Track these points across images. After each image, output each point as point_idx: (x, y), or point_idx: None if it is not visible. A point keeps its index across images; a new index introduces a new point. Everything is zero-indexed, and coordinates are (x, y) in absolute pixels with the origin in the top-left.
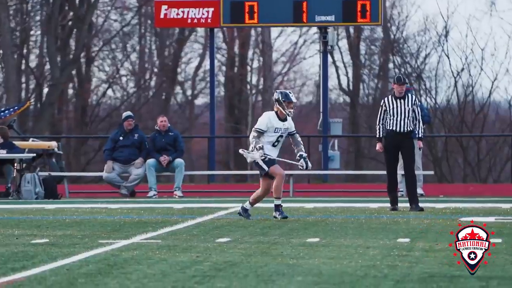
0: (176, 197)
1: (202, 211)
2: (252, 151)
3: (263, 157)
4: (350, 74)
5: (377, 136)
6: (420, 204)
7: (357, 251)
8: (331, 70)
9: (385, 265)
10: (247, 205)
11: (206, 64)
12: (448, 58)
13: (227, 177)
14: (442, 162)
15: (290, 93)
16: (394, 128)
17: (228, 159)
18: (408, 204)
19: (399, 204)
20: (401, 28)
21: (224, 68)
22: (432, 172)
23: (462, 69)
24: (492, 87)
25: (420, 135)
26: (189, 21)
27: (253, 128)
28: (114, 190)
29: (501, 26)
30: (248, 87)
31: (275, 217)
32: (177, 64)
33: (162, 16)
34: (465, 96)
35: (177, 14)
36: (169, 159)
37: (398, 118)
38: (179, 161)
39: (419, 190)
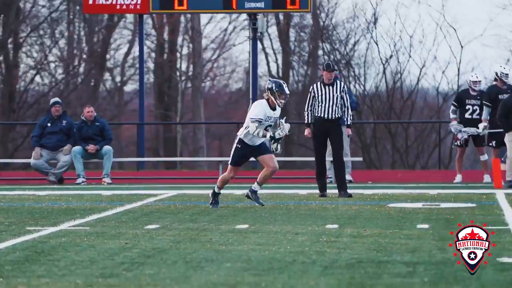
0: (105, 184)
1: (131, 198)
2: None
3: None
4: (280, 61)
5: (306, 122)
6: (349, 191)
7: (286, 238)
8: (261, 56)
9: (314, 251)
10: (255, 186)
11: (135, 50)
12: (377, 45)
13: (157, 164)
14: (371, 148)
15: (284, 83)
16: (322, 115)
17: (158, 146)
18: (336, 191)
19: (328, 191)
20: (331, 15)
21: (153, 54)
22: (360, 159)
23: (391, 56)
24: (420, 74)
25: (348, 122)
26: (118, 7)
27: (251, 120)
28: (42, 177)
29: (429, 14)
30: (178, 73)
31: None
32: (106, 50)
33: (90, 2)
34: (394, 83)
35: (106, 0)
36: (96, 148)
37: (327, 105)
38: (107, 148)
39: (348, 177)
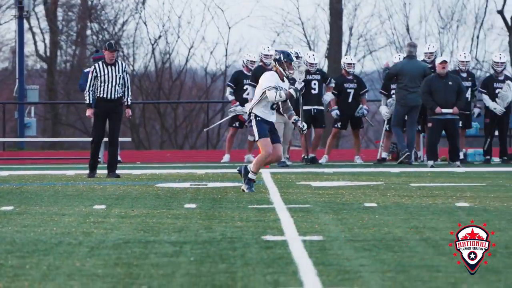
0: None
1: None
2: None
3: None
4: (48, 41)
5: (88, 102)
6: (117, 171)
7: (52, 219)
8: (28, 36)
9: (80, 232)
10: (251, 175)
11: None
12: (146, 25)
13: None
14: (140, 128)
15: (292, 52)
16: (104, 95)
17: None
18: (105, 171)
19: (98, 171)
20: None
21: None
22: (129, 139)
23: (160, 37)
24: (188, 55)
25: (129, 103)
26: None
27: (267, 89)
28: None
29: None
30: None
31: (243, 190)
32: None
33: None
34: (163, 63)
35: None
36: None
37: (109, 85)
38: None
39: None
